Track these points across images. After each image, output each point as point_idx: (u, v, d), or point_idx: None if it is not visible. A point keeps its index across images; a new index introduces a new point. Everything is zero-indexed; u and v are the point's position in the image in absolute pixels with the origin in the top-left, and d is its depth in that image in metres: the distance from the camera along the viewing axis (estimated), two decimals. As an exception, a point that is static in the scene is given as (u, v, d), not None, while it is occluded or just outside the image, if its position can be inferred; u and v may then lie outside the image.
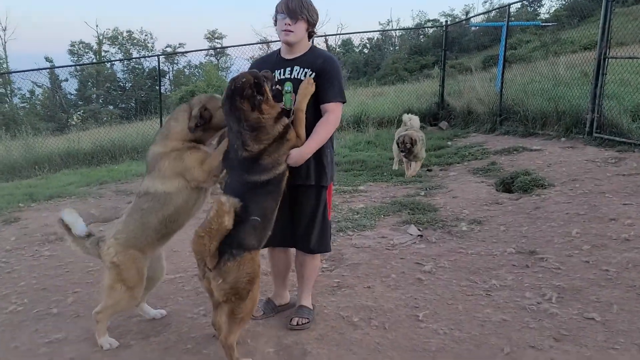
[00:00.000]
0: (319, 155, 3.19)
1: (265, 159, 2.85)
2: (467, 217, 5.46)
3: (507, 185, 6.53)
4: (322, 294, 3.90)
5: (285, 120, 2.95)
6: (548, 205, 5.41)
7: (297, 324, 3.39)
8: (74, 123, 28.14)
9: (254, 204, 2.79)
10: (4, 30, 46.07)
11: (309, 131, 3.08)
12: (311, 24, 3.21)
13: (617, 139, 7.35)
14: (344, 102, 3.24)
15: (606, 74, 7.74)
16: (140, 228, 3.13)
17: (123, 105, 41.82)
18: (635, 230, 4.37)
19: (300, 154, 3.00)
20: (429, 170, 8.04)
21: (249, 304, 2.80)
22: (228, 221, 2.60)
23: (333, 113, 3.15)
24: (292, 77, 3.22)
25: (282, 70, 3.24)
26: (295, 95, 3.13)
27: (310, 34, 3.30)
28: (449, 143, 10.09)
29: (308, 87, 3.06)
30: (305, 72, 3.19)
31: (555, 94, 9.33)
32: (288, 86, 3.21)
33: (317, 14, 3.24)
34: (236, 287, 2.71)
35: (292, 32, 3.14)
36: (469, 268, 4.20)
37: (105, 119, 26.74)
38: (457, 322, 3.34)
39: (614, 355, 2.79)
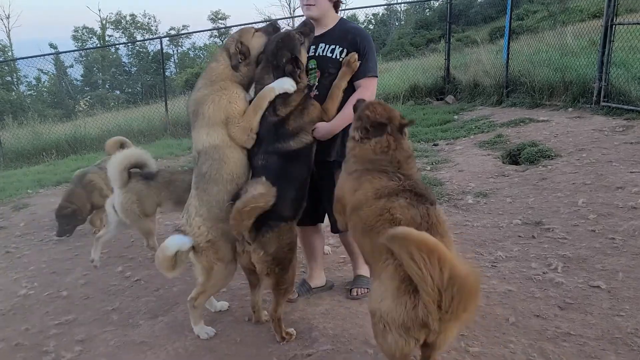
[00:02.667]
0: (342, 132, 3.07)
1: (290, 124, 2.87)
2: (473, 190, 5.43)
3: (513, 157, 6.48)
4: (329, 269, 3.91)
5: (304, 91, 2.96)
6: (554, 175, 5.37)
7: (358, 294, 3.41)
8: (81, 109, 28.19)
9: (288, 175, 2.86)
10: (8, 18, 45.88)
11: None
12: None
13: (625, 107, 7.24)
14: (376, 77, 3.14)
15: (613, 41, 7.59)
16: (214, 194, 2.93)
17: (129, 90, 41.73)
18: (642, 198, 4.34)
19: (327, 127, 2.99)
20: (435, 145, 7.98)
21: (291, 273, 2.87)
22: (264, 203, 2.63)
23: (367, 89, 3.06)
24: (317, 54, 3.13)
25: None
26: (320, 72, 3.11)
27: (337, 5, 3.16)
28: (455, 117, 10.00)
29: (351, 65, 3.00)
30: (332, 49, 3.09)
31: (562, 64, 9.18)
32: (312, 63, 3.14)
33: None
34: (278, 257, 2.77)
35: (314, 5, 3.05)
36: (475, 240, 4.19)
37: (112, 104, 26.72)
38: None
39: (619, 322, 2.79)
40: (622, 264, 3.40)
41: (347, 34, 3.10)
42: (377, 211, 2.30)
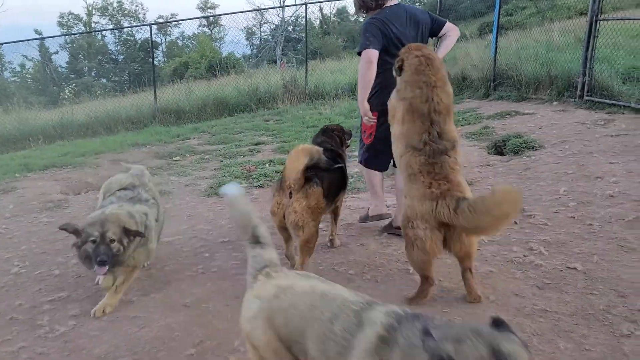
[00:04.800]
0: None
1: None
2: (458, 178, 5.55)
3: (498, 148, 6.63)
4: (317, 251, 3.99)
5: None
6: (538, 165, 5.52)
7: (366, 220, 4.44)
8: (66, 97, 27.90)
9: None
10: (-8, 3, 45.07)
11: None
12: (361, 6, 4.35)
13: (607, 101, 7.41)
14: (359, 53, 3.95)
15: (597, 36, 7.74)
16: None
17: (116, 78, 41.39)
18: (619, 187, 4.49)
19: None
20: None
21: (315, 234, 3.46)
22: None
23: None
24: None
25: None
26: None
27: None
28: (443, 109, 10.12)
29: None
30: None
31: (548, 59, 9.34)
32: None
33: None
34: (312, 209, 3.36)
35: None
36: (459, 226, 4.31)
37: (98, 92, 26.49)
38: (446, 274, 3.47)
39: (593, 300, 2.94)
40: (598, 247, 3.56)
41: None
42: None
